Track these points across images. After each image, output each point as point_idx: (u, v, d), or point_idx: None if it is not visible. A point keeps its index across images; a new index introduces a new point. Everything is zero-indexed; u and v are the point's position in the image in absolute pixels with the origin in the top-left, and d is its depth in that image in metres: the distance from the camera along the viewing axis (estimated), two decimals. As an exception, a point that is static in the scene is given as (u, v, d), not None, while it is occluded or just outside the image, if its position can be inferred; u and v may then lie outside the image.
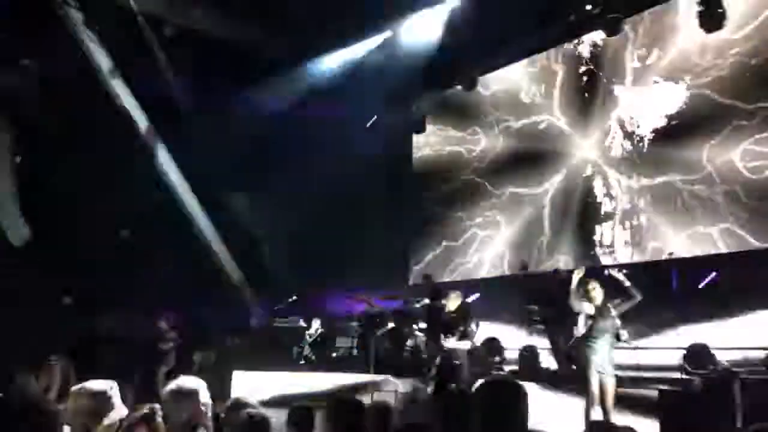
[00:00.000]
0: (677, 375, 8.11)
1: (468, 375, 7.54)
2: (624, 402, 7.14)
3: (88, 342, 9.33)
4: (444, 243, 14.33)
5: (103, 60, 12.40)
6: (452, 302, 7.91)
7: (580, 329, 7.15)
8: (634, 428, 3.32)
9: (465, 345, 7.38)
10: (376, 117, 14.49)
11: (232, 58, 12.65)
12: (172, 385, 4.07)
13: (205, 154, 13.21)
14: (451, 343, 7.46)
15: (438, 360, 7.47)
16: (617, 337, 7.05)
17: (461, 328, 7.41)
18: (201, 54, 12.55)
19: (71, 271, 11.08)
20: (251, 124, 12.88)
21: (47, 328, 8.96)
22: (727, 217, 9.91)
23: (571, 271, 7.72)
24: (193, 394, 3.98)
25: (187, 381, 4.10)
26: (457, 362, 7.26)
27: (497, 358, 10.06)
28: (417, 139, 15.40)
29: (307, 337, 12.17)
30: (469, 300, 9.92)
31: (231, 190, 13.69)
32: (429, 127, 15.14)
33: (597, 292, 7.18)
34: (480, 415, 2.50)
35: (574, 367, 8.04)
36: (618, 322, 7.07)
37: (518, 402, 2.48)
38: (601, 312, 7.09)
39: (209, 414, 4.13)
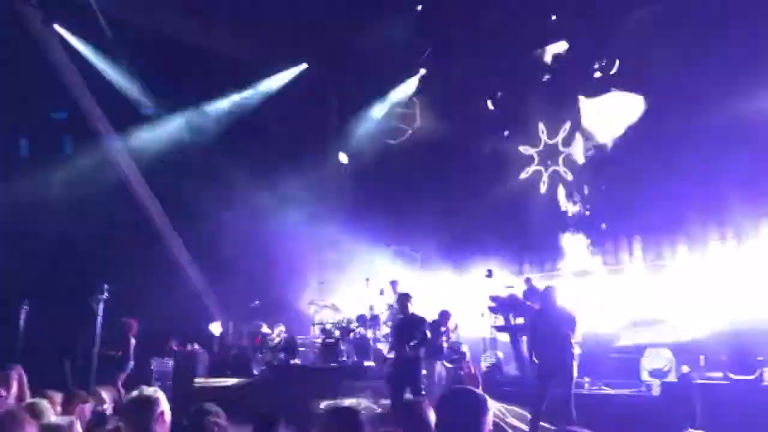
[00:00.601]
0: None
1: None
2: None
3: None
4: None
5: (62, 59, 12.16)
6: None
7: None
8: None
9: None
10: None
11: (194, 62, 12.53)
12: (133, 393, 4.04)
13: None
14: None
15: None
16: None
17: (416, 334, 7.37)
18: (162, 57, 12.37)
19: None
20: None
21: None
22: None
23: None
24: (153, 402, 3.96)
25: (147, 390, 4.07)
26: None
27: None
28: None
29: (268, 342, 11.99)
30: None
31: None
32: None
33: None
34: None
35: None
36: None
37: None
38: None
39: (168, 422, 4.10)
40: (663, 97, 10.89)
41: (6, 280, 9.69)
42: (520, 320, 9.53)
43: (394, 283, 11.28)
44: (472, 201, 13.08)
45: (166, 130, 13.10)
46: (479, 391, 2.65)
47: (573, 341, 7.11)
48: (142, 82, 12.62)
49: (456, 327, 10.00)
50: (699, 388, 7.14)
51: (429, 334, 7.91)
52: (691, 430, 6.24)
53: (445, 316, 9.51)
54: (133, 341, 9.28)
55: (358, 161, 15.16)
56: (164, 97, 12.95)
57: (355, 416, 3.43)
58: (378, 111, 15.05)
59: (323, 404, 7.84)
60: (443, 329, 9.26)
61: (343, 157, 15.19)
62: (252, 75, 14.00)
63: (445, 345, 9.21)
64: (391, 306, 10.64)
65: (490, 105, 13.39)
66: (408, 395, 7.28)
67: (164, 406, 3.85)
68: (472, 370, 3.72)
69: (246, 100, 14.02)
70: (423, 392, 7.45)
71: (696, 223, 10.45)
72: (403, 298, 8.09)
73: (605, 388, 8.32)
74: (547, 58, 12.70)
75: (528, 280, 10.71)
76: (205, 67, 12.72)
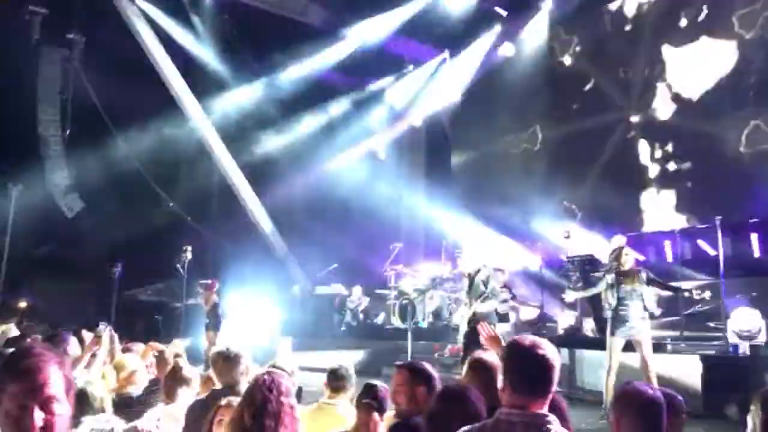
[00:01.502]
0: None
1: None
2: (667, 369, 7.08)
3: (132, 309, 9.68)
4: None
5: (147, 34, 12.63)
6: (465, 264, 7.67)
7: (609, 299, 7.11)
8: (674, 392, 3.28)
9: (488, 307, 7.23)
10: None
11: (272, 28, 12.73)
12: (221, 347, 4.33)
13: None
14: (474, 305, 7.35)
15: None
16: (644, 307, 6.97)
17: (482, 288, 7.25)
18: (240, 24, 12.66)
19: (120, 242, 11.43)
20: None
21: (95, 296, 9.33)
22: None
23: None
24: (238, 356, 4.24)
25: (233, 345, 4.36)
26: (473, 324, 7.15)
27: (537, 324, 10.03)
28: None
29: (349, 304, 12.37)
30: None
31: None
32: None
33: (629, 257, 7.14)
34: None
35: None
36: (645, 289, 7.00)
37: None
38: (628, 276, 7.04)
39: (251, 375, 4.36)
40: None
41: (99, 244, 10.43)
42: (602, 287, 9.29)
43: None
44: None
45: (244, 97, 13.44)
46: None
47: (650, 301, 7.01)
48: (221, 49, 12.98)
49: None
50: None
51: None
52: None
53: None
54: (215, 298, 9.66)
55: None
56: (243, 64, 13.28)
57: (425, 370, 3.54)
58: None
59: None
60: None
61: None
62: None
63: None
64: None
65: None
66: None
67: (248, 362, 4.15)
68: (492, 333, 3.76)
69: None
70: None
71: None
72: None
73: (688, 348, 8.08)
74: (630, 8, 12.12)
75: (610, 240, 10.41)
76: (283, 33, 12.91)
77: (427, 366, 3.48)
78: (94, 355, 4.67)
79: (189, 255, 9.29)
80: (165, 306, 10.09)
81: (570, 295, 8.56)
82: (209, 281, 9.52)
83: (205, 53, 13.10)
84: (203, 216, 13.96)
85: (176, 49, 13.05)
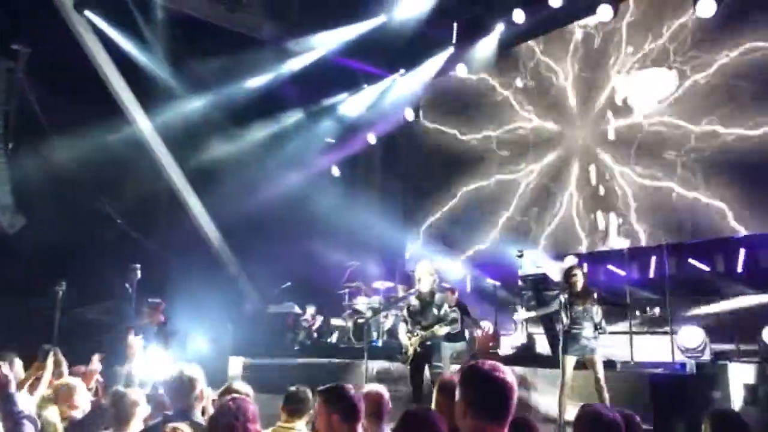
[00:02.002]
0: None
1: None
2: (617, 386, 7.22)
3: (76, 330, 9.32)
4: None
5: (94, 45, 12.33)
6: (423, 284, 7.67)
7: (563, 319, 7.25)
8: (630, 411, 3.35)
9: (443, 331, 7.26)
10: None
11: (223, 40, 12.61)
12: (175, 371, 4.19)
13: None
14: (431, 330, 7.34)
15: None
16: (596, 326, 7.12)
17: (435, 312, 7.27)
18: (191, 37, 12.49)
19: (63, 259, 11.03)
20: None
21: (37, 316, 8.94)
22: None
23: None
24: (193, 380, 4.11)
25: (187, 368, 4.22)
26: (428, 344, 7.17)
27: (491, 343, 10.09)
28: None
29: (303, 323, 12.23)
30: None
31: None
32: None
33: (579, 277, 7.29)
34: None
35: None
36: (598, 309, 7.17)
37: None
38: (580, 296, 7.19)
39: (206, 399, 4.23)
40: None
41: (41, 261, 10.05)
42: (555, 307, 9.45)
43: None
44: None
45: (194, 109, 13.22)
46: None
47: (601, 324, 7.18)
48: (170, 63, 12.77)
49: None
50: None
51: None
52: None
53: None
54: (161, 318, 9.42)
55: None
56: (194, 77, 13.09)
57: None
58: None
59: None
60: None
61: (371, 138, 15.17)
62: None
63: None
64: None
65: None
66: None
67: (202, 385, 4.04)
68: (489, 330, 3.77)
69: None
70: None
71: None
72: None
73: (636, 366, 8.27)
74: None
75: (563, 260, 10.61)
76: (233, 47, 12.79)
77: (349, 391, 3.40)
78: (38, 379, 4.47)
79: (138, 274, 9.01)
80: (112, 326, 9.75)
81: (521, 314, 8.65)
82: (157, 301, 9.28)
83: (155, 65, 12.84)
84: (151, 231, 13.59)
85: (125, 62, 12.76)
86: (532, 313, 8.59)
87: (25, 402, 2.69)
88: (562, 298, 7.33)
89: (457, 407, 2.37)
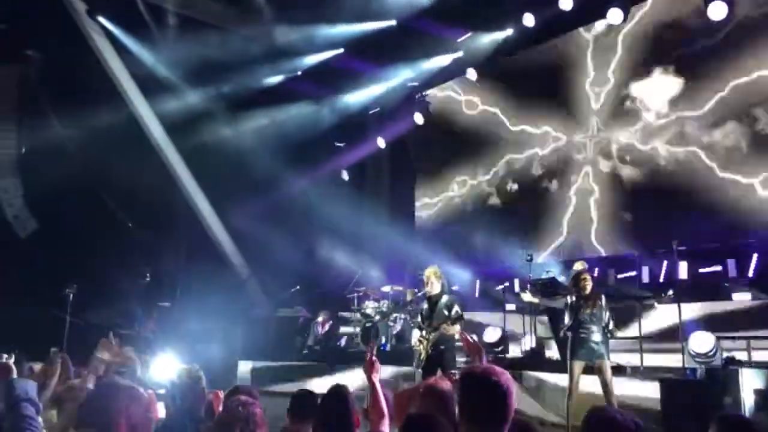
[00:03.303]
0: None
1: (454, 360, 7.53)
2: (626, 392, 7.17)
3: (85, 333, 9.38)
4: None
5: (107, 50, 12.44)
6: (433, 287, 7.51)
7: (566, 320, 7.24)
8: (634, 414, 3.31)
9: (453, 331, 7.23)
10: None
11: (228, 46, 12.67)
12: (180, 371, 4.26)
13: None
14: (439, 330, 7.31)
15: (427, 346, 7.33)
16: (605, 329, 7.10)
17: (445, 313, 7.26)
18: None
19: (75, 262, 11.11)
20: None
21: (48, 319, 9.01)
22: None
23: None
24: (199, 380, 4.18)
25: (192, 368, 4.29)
26: (442, 347, 7.16)
27: (500, 347, 10.05)
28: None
29: (314, 328, 12.18)
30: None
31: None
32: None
33: (588, 282, 7.26)
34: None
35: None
36: (607, 313, 7.14)
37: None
38: (588, 300, 7.16)
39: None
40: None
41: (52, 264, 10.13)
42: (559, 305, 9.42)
43: None
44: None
45: (205, 113, 13.29)
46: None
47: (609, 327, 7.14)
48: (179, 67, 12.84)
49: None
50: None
51: None
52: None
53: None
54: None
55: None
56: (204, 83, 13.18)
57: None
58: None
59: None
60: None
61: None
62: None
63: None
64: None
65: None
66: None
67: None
68: (471, 340, 3.76)
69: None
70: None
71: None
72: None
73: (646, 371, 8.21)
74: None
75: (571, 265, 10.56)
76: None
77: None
78: (46, 382, 4.49)
79: (148, 278, 9.08)
80: (121, 330, 9.81)
81: (526, 296, 8.57)
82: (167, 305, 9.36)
83: (166, 70, 12.93)
84: (162, 235, 13.67)
85: (137, 68, 12.86)
86: (536, 300, 8.54)
87: (30, 388, 2.73)
88: (569, 299, 7.32)
89: (456, 413, 2.36)
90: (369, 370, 3.57)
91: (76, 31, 12.08)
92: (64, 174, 11.86)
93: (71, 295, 8.70)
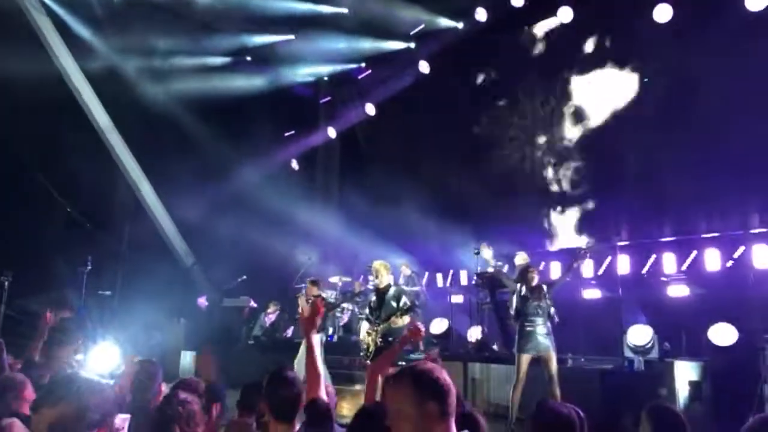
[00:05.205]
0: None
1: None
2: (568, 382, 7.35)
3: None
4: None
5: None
6: (382, 279, 7.48)
7: (512, 309, 7.43)
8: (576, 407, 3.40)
9: (401, 323, 7.28)
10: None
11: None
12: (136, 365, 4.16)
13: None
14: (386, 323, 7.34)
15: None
16: (550, 319, 7.29)
17: (393, 305, 7.30)
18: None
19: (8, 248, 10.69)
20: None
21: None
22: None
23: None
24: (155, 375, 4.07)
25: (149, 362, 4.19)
26: (390, 339, 7.19)
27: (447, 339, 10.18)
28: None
29: (262, 318, 12.05)
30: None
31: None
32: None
33: (534, 275, 7.45)
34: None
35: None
36: (549, 303, 7.33)
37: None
38: (534, 293, 7.33)
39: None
40: (659, 75, 10.83)
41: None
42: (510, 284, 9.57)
43: None
44: (463, 179, 13.12)
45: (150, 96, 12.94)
46: None
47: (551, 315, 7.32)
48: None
49: None
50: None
51: None
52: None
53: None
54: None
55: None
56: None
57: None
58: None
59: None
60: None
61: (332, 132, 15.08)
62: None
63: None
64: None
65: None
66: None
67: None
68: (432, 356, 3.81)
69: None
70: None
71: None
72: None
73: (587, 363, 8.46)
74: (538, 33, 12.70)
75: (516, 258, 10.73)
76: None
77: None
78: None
79: (89, 267, 8.80)
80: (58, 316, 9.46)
81: (486, 253, 8.77)
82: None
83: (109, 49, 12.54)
84: (104, 221, 13.23)
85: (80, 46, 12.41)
86: (491, 267, 8.68)
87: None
88: (520, 287, 7.49)
89: None
90: (308, 325, 3.45)
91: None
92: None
93: (6, 283, 8.34)
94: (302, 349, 8.47)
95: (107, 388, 1.94)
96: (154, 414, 2.86)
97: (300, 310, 9.29)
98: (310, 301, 9.08)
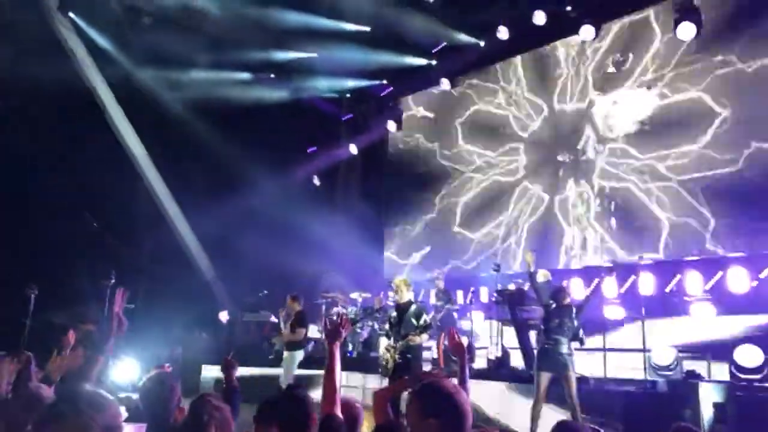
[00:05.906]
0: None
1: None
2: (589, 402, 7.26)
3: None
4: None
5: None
6: (402, 296, 7.49)
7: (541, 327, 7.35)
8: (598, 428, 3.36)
9: (419, 340, 7.26)
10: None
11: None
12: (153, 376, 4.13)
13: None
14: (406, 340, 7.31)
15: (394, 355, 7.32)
16: (577, 339, 7.20)
17: (414, 322, 7.27)
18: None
19: (36, 263, 10.87)
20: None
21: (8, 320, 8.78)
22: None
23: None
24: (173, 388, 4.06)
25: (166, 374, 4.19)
26: (409, 356, 7.16)
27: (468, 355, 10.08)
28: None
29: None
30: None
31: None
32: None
33: (567, 293, 7.37)
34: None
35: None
36: (576, 323, 7.23)
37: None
38: (561, 311, 7.24)
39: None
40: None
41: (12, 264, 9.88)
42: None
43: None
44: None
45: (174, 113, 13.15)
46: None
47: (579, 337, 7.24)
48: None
49: None
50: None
51: None
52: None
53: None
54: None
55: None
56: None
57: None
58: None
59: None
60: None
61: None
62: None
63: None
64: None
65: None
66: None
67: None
68: (457, 339, 3.65)
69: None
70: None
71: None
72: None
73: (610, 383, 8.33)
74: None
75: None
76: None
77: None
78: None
79: (113, 280, 8.91)
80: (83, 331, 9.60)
81: (529, 257, 8.44)
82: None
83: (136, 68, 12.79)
84: (128, 236, 13.43)
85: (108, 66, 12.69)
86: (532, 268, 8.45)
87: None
88: (550, 304, 7.37)
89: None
90: (332, 336, 3.34)
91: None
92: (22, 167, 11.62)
93: (32, 296, 8.47)
94: (285, 359, 8.58)
95: (113, 403, 1.95)
96: (187, 418, 2.87)
97: (281, 326, 9.50)
98: (291, 315, 9.16)
